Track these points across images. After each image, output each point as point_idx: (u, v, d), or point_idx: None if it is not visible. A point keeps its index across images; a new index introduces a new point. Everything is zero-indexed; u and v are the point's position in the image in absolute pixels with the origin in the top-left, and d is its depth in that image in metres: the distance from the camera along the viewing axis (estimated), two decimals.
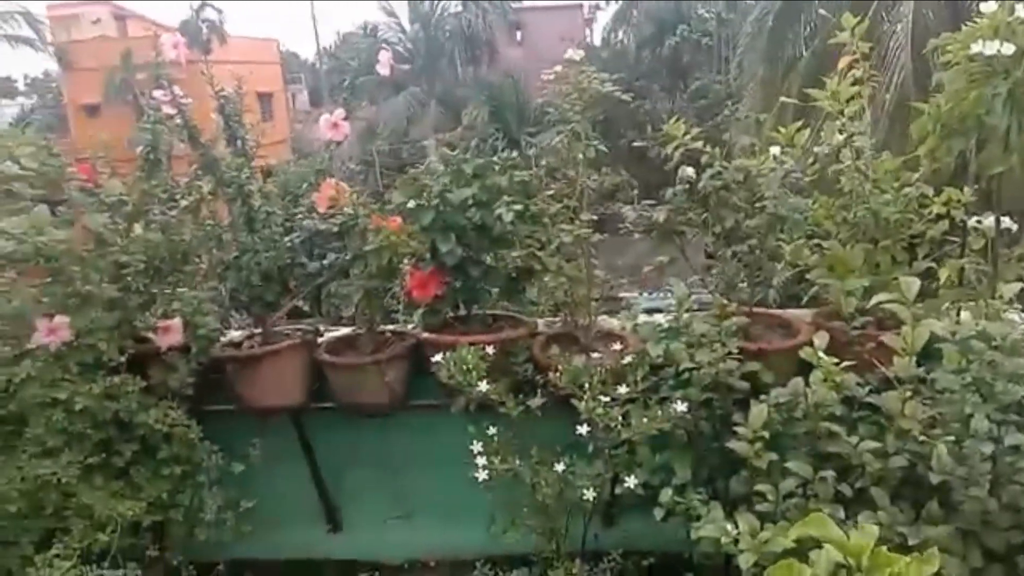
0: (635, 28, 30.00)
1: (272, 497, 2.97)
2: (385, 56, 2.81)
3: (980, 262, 2.71)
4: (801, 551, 1.57)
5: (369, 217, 2.64)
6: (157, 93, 2.59)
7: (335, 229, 2.59)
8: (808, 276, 2.82)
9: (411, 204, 2.65)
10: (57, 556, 2.39)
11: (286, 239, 2.72)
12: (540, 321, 3.06)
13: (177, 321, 2.60)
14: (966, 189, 2.73)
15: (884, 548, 1.33)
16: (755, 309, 2.86)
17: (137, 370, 2.65)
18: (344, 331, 3.10)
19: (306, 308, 3.16)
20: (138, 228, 2.65)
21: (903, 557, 1.30)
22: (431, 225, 2.62)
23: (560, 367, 2.49)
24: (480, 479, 2.38)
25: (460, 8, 26.56)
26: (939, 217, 2.79)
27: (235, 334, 3.02)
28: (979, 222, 2.75)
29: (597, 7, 34.11)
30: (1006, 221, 2.64)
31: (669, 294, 2.78)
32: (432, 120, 21.14)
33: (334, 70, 34.00)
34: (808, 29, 11.45)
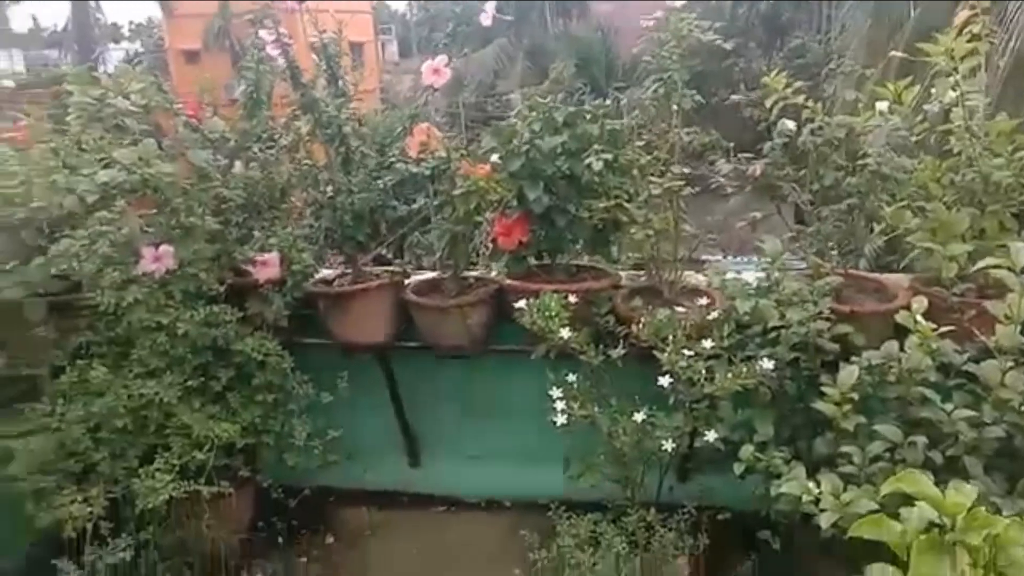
0: None
1: (357, 429, 3.08)
2: (490, 6, 2.80)
3: None
4: (888, 512, 1.53)
5: (459, 162, 2.66)
6: (262, 33, 2.65)
7: (427, 173, 2.62)
8: (908, 240, 2.71)
9: (501, 150, 2.65)
10: (158, 470, 2.56)
11: (378, 181, 2.77)
12: (623, 274, 3.05)
13: (274, 255, 2.70)
14: None
15: (983, 509, 1.29)
16: (850, 271, 2.77)
17: (235, 301, 2.77)
18: (429, 275, 3.16)
19: (390, 256, 3.24)
20: (239, 165, 2.73)
21: (1002, 519, 1.26)
22: (519, 171, 2.62)
23: (643, 319, 2.49)
24: (558, 423, 2.41)
25: None
26: None
27: (327, 272, 3.11)
28: None
29: None
30: None
31: (755, 260, 2.73)
32: (519, 74, 20.96)
33: (423, 22, 34.02)
34: None
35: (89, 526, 2.45)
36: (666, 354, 2.29)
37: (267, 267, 2.69)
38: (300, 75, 2.66)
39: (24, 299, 2.63)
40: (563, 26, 24.79)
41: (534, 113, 2.66)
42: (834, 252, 2.80)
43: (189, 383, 2.67)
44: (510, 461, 3.26)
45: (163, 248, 2.56)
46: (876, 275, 2.92)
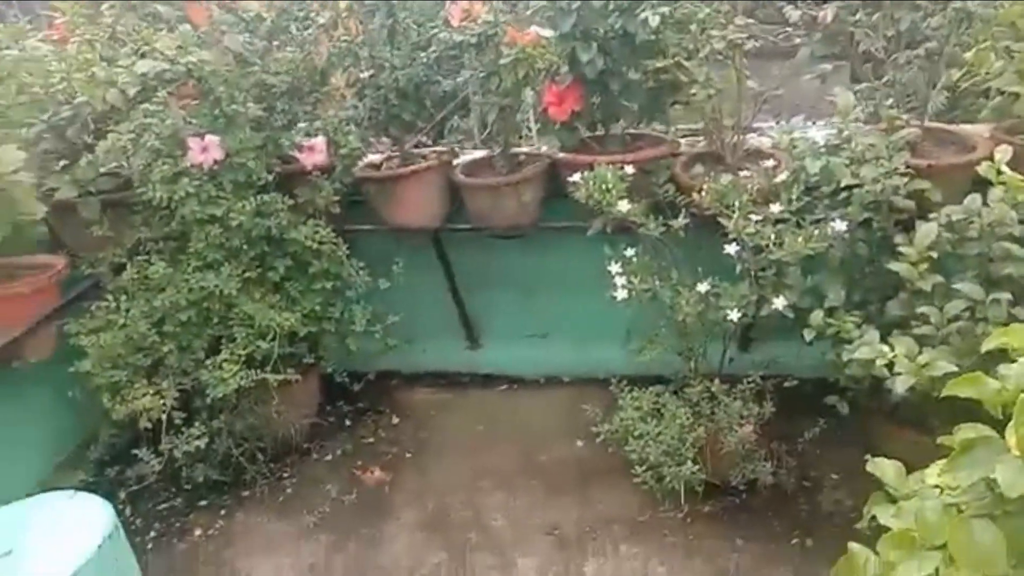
0: None
1: (415, 313, 3.08)
2: None
3: None
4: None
5: (505, 29, 2.51)
6: None
7: (472, 41, 2.47)
8: (993, 84, 2.50)
9: (549, 10, 2.49)
10: (225, 360, 2.61)
11: (422, 55, 2.64)
12: (683, 140, 2.91)
13: (321, 140, 2.63)
14: None
15: None
16: (927, 123, 2.58)
17: (285, 189, 2.73)
18: (478, 154, 3.07)
19: (429, 143, 3.15)
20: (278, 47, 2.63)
21: None
22: (571, 32, 2.46)
23: (705, 187, 2.37)
24: (619, 298, 2.36)
25: None
26: None
27: (374, 157, 3.04)
28: None
29: None
30: None
31: (815, 124, 2.55)
32: None
33: None
34: None
35: (164, 417, 2.53)
36: (732, 221, 2.19)
37: (314, 152, 2.63)
38: None
39: (77, 199, 2.63)
40: None
41: None
42: (910, 103, 2.61)
43: (247, 274, 2.68)
44: (569, 339, 3.26)
45: (209, 138, 2.51)
46: (954, 127, 2.73)
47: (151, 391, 2.54)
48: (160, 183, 2.51)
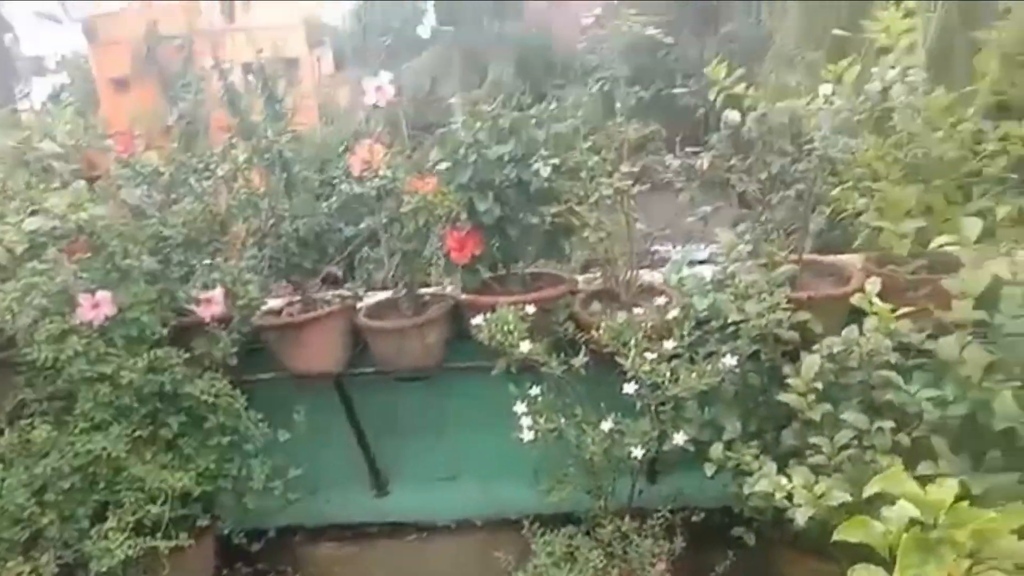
0: None
1: (318, 463, 2.98)
2: (428, 18, 2.73)
3: None
4: (865, 505, 1.51)
5: (405, 179, 2.59)
6: (203, 61, 2.55)
7: (372, 193, 2.54)
8: (859, 220, 2.71)
9: (447, 162, 2.59)
10: (111, 529, 2.44)
11: (323, 204, 2.69)
12: (579, 278, 3.01)
13: (218, 292, 2.59)
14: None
15: (965, 504, 1.26)
16: (803, 257, 2.77)
17: (180, 342, 2.66)
18: (382, 295, 3.08)
19: (340, 273, 3.15)
20: (177, 199, 2.63)
21: (988, 512, 1.23)
22: (468, 183, 2.56)
23: (603, 325, 2.45)
24: (525, 440, 2.36)
25: None
26: (995, 154, 2.66)
27: (274, 302, 3.01)
28: None
29: None
30: None
31: (702, 246, 2.70)
32: (457, 77, 20.85)
33: (358, 33, 33.72)
34: None
35: None
36: (628, 359, 2.25)
37: (212, 304, 2.59)
38: (239, 101, 2.56)
39: None
40: (498, 28, 24.75)
41: (479, 123, 2.60)
42: (785, 237, 2.79)
43: (138, 433, 2.55)
44: (478, 480, 3.20)
45: (100, 294, 2.44)
46: (828, 258, 2.93)
47: (27, 568, 2.34)
48: (46, 342, 2.41)
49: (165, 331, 2.60)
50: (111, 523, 2.44)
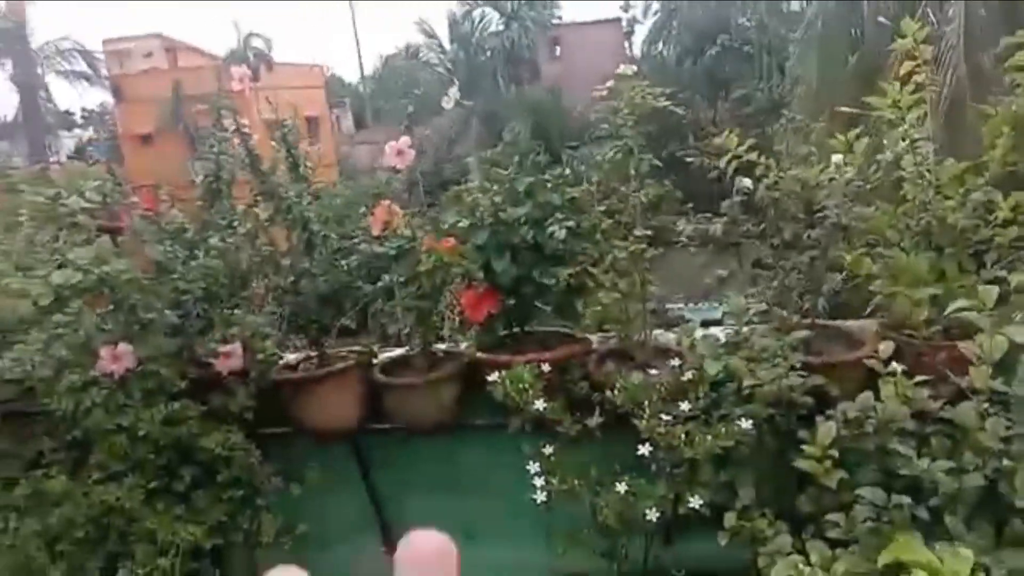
0: (675, 39, 29.82)
1: (330, 519, 2.97)
2: (452, 91, 2.83)
3: None
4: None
5: (422, 239, 2.65)
6: (225, 123, 2.64)
7: (392, 253, 2.59)
8: (872, 287, 2.74)
9: (465, 223, 2.65)
10: None
11: (343, 263, 2.74)
12: (594, 337, 3.03)
13: (237, 346, 2.63)
14: None
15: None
16: (817, 321, 2.78)
17: (198, 395, 2.68)
18: (397, 352, 3.11)
19: (352, 326, 3.18)
20: (200, 255, 2.68)
21: None
22: (486, 244, 2.61)
23: (618, 385, 2.46)
24: (538, 500, 2.35)
25: (501, 27, 26.77)
26: (1007, 223, 2.69)
27: (291, 357, 3.04)
28: None
29: (635, 20, 33.97)
30: None
31: (716, 304, 2.71)
32: (475, 138, 21.31)
33: (377, 93, 34.54)
34: (858, 33, 11.29)
35: None
36: (644, 421, 2.25)
37: (230, 358, 2.62)
38: (259, 163, 2.64)
39: None
40: (515, 90, 25.33)
41: (496, 185, 2.66)
42: (799, 302, 2.81)
43: (152, 485, 2.56)
44: (493, 539, 3.15)
45: (121, 347, 2.49)
46: (841, 323, 2.94)
47: None
48: (67, 393, 2.44)
49: (183, 384, 2.63)
50: (121, 575, 2.43)
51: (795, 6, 25.63)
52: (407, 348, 3.06)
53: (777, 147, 2.91)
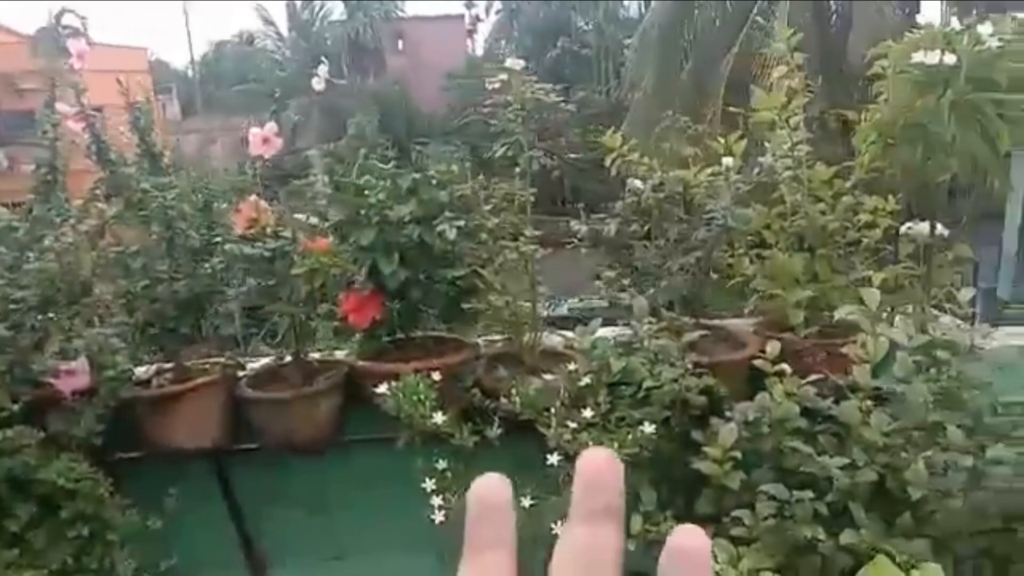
0: (516, 40, 30.27)
1: (192, 549, 2.66)
2: (322, 69, 2.58)
3: (913, 267, 2.78)
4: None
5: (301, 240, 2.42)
6: (62, 107, 2.28)
7: (267, 254, 2.34)
8: (751, 286, 2.80)
9: (346, 222, 2.45)
10: None
11: (205, 265, 2.45)
12: (480, 341, 2.91)
13: (82, 361, 2.29)
14: (890, 198, 2.79)
15: None
16: (701, 321, 2.81)
17: (34, 419, 2.31)
18: (265, 361, 2.85)
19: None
20: (31, 257, 2.31)
21: None
22: (372, 245, 2.42)
23: (515, 391, 2.35)
24: (437, 520, 2.20)
25: (344, 16, 26.00)
26: (869, 225, 2.84)
27: (139, 370, 2.70)
28: (909, 228, 2.82)
29: (478, 19, 34.15)
30: (939, 227, 2.71)
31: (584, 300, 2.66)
32: (316, 130, 20.52)
33: (208, 80, 32.59)
34: (693, 36, 11.87)
35: None
36: (552, 429, 2.16)
37: (74, 376, 2.28)
38: (108, 150, 2.30)
39: None
40: (359, 82, 24.67)
41: (382, 182, 2.48)
42: (684, 303, 2.84)
43: None
44: (369, 558, 2.98)
45: None
46: (721, 322, 3.00)
47: None
48: None
49: (16, 407, 2.25)
50: None
51: (632, 11, 26.77)
52: (275, 358, 2.81)
53: (662, 147, 2.92)
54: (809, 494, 2.03)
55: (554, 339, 2.93)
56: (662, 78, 11.73)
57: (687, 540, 0.39)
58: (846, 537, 1.94)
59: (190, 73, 33.63)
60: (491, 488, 0.41)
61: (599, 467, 0.41)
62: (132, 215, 2.37)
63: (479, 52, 32.90)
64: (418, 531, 2.29)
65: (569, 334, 2.97)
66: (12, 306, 2.30)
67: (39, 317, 2.36)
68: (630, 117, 10.31)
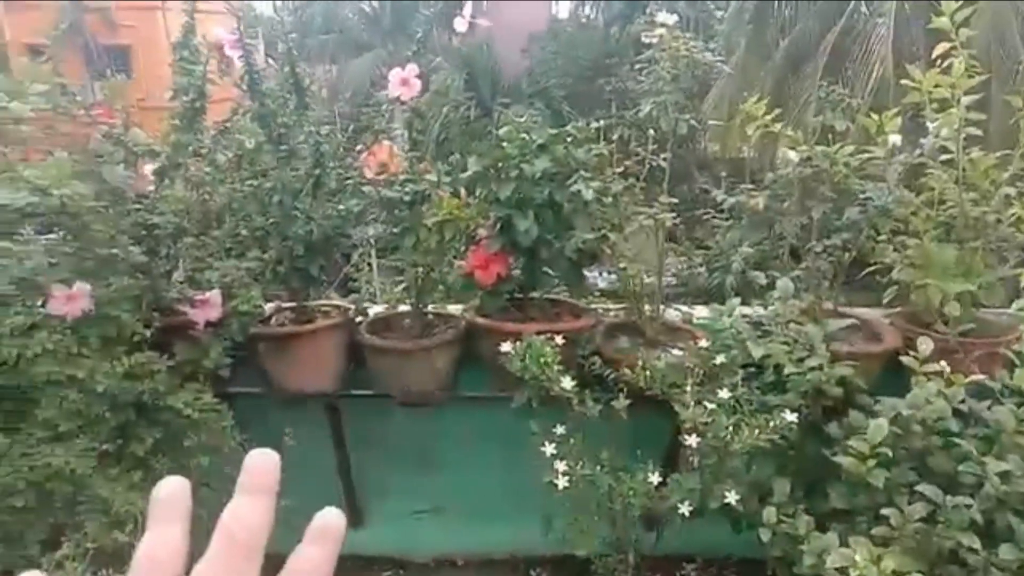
0: (604, 3, 29.56)
1: (297, 487, 2.67)
2: (466, 8, 2.49)
3: None
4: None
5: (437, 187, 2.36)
6: (220, 32, 2.24)
7: (406, 199, 2.28)
8: (896, 276, 2.63)
9: (484, 176, 2.37)
10: (67, 557, 2.08)
11: (340, 207, 2.41)
12: (599, 308, 2.83)
13: (216, 293, 2.28)
14: None
15: None
16: (837, 308, 2.67)
17: (163, 347, 2.32)
18: (380, 309, 2.82)
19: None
20: (178, 184, 2.30)
21: None
22: (508, 200, 2.34)
23: (640, 363, 2.26)
24: (560, 486, 2.14)
25: None
26: (1021, 220, 2.64)
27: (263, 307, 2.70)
28: None
29: None
30: None
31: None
32: None
33: (295, 28, 32.79)
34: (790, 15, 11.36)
35: None
36: (687, 408, 2.07)
37: (208, 307, 2.27)
38: (260, 82, 2.26)
39: None
40: (446, 38, 24.43)
41: (519, 136, 2.38)
42: (829, 288, 2.69)
43: (106, 447, 2.20)
44: (467, 516, 2.95)
45: (79, 286, 2.10)
46: (856, 311, 2.84)
47: None
48: (9, 336, 2.04)
49: (147, 333, 2.26)
50: (66, 550, 2.08)
51: None
52: (392, 306, 2.79)
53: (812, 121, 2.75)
54: (966, 500, 1.90)
55: (675, 314, 2.82)
56: (753, 53, 11.28)
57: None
58: (1005, 552, 1.81)
59: (277, 18, 33.88)
60: (171, 487, 0.45)
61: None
62: (273, 149, 2.33)
63: (564, 15, 32.25)
64: (523, 494, 2.25)
65: (685, 308, 2.87)
66: (149, 232, 2.30)
67: (174, 245, 2.35)
68: (715, 92, 9.92)
